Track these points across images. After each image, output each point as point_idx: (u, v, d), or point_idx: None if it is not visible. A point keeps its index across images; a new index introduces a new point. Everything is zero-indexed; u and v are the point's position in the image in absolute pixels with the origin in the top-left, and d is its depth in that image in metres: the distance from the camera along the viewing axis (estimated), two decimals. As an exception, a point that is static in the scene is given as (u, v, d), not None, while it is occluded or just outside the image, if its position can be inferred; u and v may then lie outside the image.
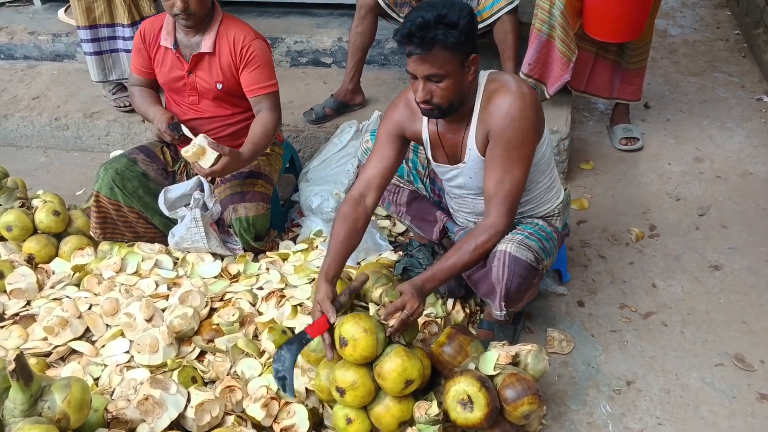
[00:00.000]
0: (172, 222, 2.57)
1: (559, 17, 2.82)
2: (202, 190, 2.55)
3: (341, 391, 1.86)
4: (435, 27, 1.78)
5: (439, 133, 2.07)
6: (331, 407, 2.00)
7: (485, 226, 1.97)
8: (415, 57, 1.83)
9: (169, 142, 2.56)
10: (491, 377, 1.91)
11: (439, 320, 2.28)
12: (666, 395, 2.13)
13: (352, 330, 1.82)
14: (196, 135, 2.33)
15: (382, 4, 3.08)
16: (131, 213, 2.58)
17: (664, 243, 2.73)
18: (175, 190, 2.52)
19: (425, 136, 2.11)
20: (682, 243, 2.72)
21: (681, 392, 2.13)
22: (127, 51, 3.42)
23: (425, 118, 2.07)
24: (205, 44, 2.45)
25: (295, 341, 1.94)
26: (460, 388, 1.85)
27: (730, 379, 2.16)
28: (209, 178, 2.56)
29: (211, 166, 2.30)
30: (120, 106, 3.57)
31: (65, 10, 4.20)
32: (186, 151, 2.29)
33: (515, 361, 1.96)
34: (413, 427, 1.91)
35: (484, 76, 2.00)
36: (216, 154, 2.28)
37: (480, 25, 2.99)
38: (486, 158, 1.98)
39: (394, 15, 3.15)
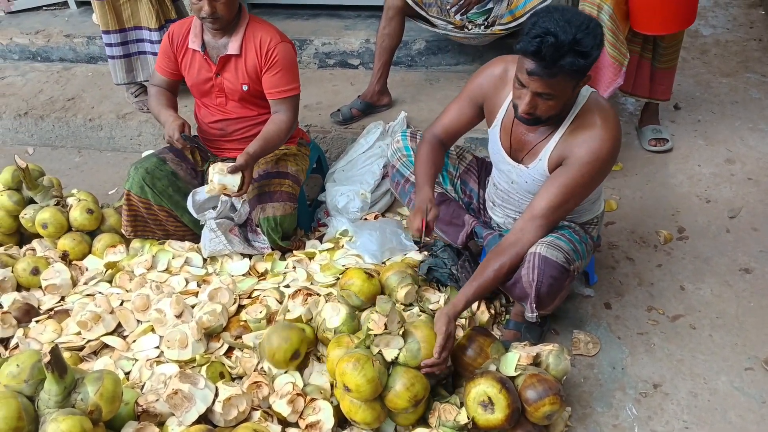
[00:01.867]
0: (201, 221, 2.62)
1: (608, 21, 2.75)
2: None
3: (348, 389, 1.87)
4: (567, 54, 1.67)
5: (514, 123, 2.02)
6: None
7: (524, 244, 1.95)
8: (536, 77, 1.73)
9: (179, 148, 2.57)
10: (512, 378, 1.92)
11: (463, 321, 2.29)
12: (694, 399, 2.11)
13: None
14: (208, 147, 2.37)
15: (411, 2, 3.09)
16: (161, 211, 2.64)
17: (694, 245, 2.69)
18: (203, 193, 2.57)
19: (500, 116, 2.07)
20: (711, 246, 2.68)
21: (709, 396, 2.11)
22: (154, 54, 3.50)
23: (509, 98, 2.00)
24: (232, 46, 2.49)
25: None
26: (480, 389, 1.86)
27: (760, 384, 2.13)
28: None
29: (240, 187, 2.37)
30: (141, 109, 3.65)
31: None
32: (211, 191, 2.37)
33: (536, 362, 1.96)
34: (439, 429, 1.92)
35: (585, 93, 1.93)
36: (238, 178, 2.35)
37: (512, 24, 2.99)
38: (552, 175, 1.95)
39: (422, 13, 3.15)
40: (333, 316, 2.14)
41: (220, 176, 2.35)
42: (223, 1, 2.35)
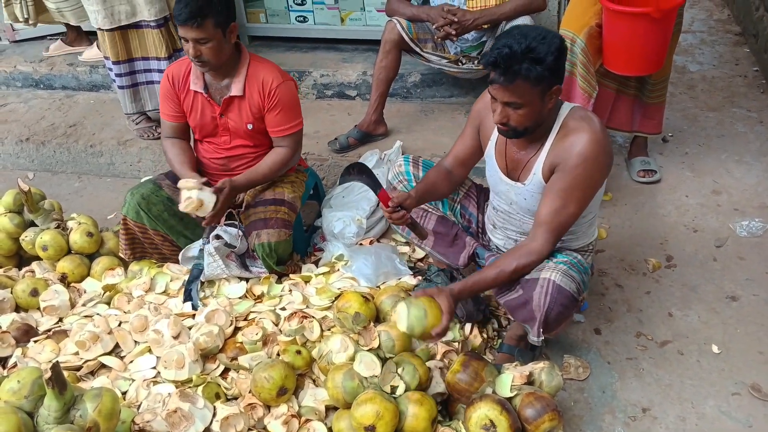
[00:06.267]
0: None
1: (580, 55, 2.88)
2: (218, 237, 2.63)
3: (371, 428, 1.88)
4: (521, 60, 1.81)
5: (507, 144, 2.13)
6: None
7: (530, 250, 2.01)
8: (497, 85, 1.88)
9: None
10: (509, 399, 1.95)
11: (456, 344, 2.32)
12: (682, 423, 2.14)
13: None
14: (208, 180, 2.43)
15: (406, 38, 3.20)
16: (157, 236, 2.68)
17: (681, 273, 2.75)
18: (194, 250, 2.65)
19: (493, 139, 2.18)
20: (698, 274, 2.74)
21: (697, 420, 2.15)
22: None
23: None
24: (235, 88, 2.52)
25: (370, 180, 2.21)
26: (481, 413, 1.89)
27: (746, 409, 2.17)
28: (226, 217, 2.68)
29: (213, 207, 2.41)
30: (142, 136, 3.73)
31: (96, 45, 4.21)
32: (186, 207, 2.38)
33: (530, 380, 2.00)
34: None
35: (567, 107, 2.04)
36: (214, 197, 2.40)
37: None
38: (547, 185, 2.03)
39: (417, 49, 3.27)
40: (340, 351, 2.15)
41: (199, 192, 2.38)
42: (208, 46, 2.35)
